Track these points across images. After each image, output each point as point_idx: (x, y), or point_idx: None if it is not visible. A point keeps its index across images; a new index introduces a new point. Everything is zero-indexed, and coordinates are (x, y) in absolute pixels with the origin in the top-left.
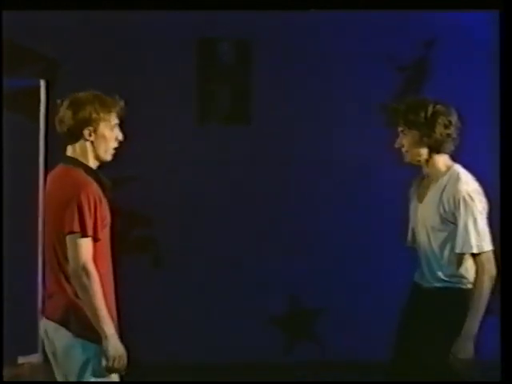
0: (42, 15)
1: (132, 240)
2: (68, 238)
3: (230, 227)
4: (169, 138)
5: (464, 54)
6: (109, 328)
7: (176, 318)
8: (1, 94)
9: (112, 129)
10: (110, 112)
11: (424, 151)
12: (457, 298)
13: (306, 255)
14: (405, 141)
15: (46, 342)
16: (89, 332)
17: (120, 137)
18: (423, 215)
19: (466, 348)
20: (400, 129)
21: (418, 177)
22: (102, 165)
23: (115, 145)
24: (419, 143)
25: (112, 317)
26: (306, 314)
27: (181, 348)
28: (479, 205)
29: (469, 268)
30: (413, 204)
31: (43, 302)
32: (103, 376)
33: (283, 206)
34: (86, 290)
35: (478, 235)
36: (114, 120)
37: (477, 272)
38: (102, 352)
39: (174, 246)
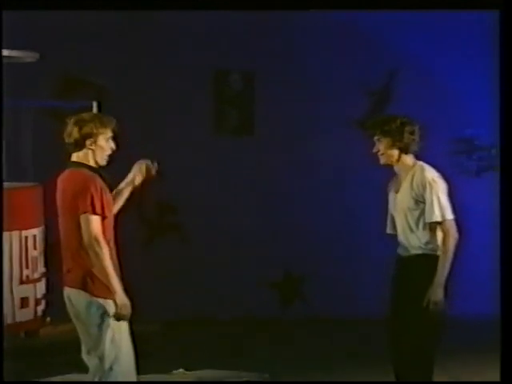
0: (94, 50)
1: (162, 225)
2: (82, 217)
3: (237, 214)
4: (190, 146)
5: (423, 81)
6: (116, 284)
7: (196, 281)
8: (1, 94)
9: (107, 140)
10: (106, 128)
11: (395, 153)
12: (432, 261)
13: (299, 236)
14: (380, 146)
15: (68, 306)
16: (102, 292)
17: (113, 146)
18: (400, 201)
19: (437, 293)
20: (376, 137)
21: (392, 177)
22: (100, 168)
23: (109, 152)
24: (391, 147)
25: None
26: (298, 280)
27: (200, 305)
28: (440, 186)
29: (438, 236)
30: (391, 196)
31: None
32: (120, 327)
33: (280, 198)
34: (98, 255)
35: (441, 208)
36: (109, 134)
37: (443, 236)
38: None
39: (194, 229)
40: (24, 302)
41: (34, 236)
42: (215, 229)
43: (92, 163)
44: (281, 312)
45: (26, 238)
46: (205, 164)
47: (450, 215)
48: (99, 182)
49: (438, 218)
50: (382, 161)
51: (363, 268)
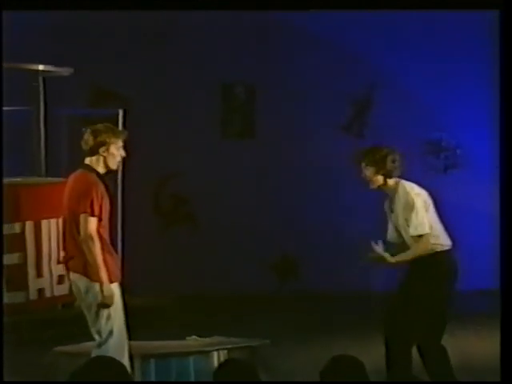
0: (121, 66)
1: (176, 214)
2: (81, 216)
3: (241, 205)
4: (201, 147)
5: (398, 92)
6: (104, 275)
7: (204, 262)
8: (1, 94)
9: (118, 149)
10: (117, 138)
11: (380, 178)
12: (431, 258)
13: (294, 224)
14: (367, 173)
15: (73, 287)
16: (98, 276)
17: (123, 154)
18: (395, 220)
19: (385, 258)
20: (363, 165)
21: (387, 197)
22: (110, 171)
23: (120, 159)
24: (376, 174)
25: (109, 269)
26: (293, 261)
27: (208, 282)
28: (419, 203)
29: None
30: (388, 214)
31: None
32: (115, 306)
33: (278, 191)
34: (90, 250)
35: (418, 224)
36: (120, 143)
37: (418, 244)
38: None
39: (204, 218)
40: (61, 278)
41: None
42: (222, 217)
43: (101, 168)
44: (278, 288)
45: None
46: (213, 162)
47: (424, 230)
48: (101, 187)
49: (415, 233)
50: (371, 186)
51: (350, 249)
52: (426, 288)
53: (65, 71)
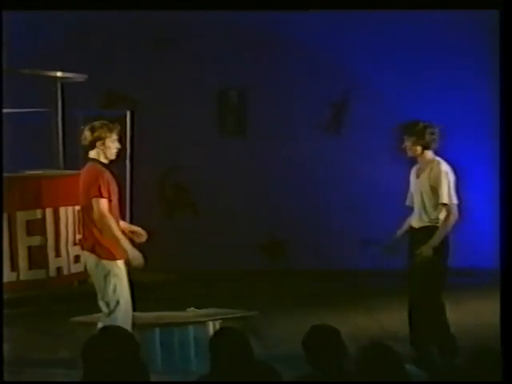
0: (129, 72)
1: (179, 202)
2: (93, 200)
3: (234, 194)
4: (200, 144)
5: (371, 95)
6: (126, 244)
7: (203, 243)
8: (1, 94)
9: (113, 142)
10: (111, 132)
11: (419, 148)
12: (435, 231)
13: (281, 209)
14: (407, 143)
15: (84, 264)
16: (106, 254)
17: (119, 146)
18: (420, 185)
19: (428, 251)
20: (405, 136)
21: (415, 166)
22: (112, 161)
23: (116, 150)
24: (415, 144)
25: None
26: (281, 242)
27: (206, 260)
28: (450, 177)
29: (443, 214)
30: (413, 179)
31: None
32: (121, 280)
33: (267, 182)
34: (108, 227)
35: (449, 194)
36: (115, 137)
37: (447, 214)
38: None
39: (203, 205)
40: (77, 258)
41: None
42: (218, 204)
43: (103, 159)
44: (268, 266)
45: (79, 211)
46: (210, 157)
47: (454, 200)
48: (107, 174)
49: (446, 201)
50: (409, 154)
51: (330, 233)
52: (433, 256)
53: (80, 77)
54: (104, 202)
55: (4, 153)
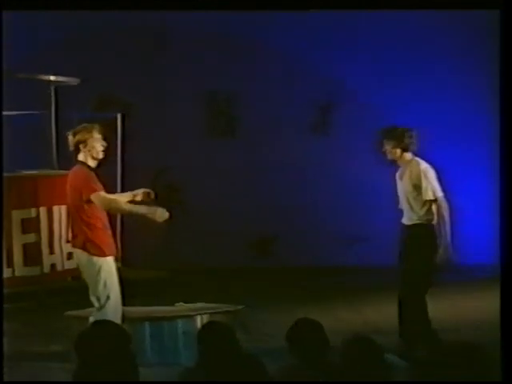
0: (120, 76)
1: (170, 200)
2: (92, 196)
3: (223, 193)
4: (190, 145)
5: (354, 99)
6: (142, 209)
7: (193, 241)
8: (1, 95)
9: (96, 141)
10: (91, 133)
11: (398, 151)
12: (426, 229)
13: (268, 208)
14: (387, 146)
15: (76, 260)
16: (96, 251)
17: (104, 144)
18: (404, 186)
19: (447, 252)
20: (385, 140)
21: (399, 169)
22: (100, 161)
23: (102, 149)
24: (395, 147)
25: (106, 244)
26: (269, 241)
27: (196, 257)
28: (430, 173)
29: (433, 210)
30: (398, 182)
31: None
32: (111, 276)
33: (255, 181)
34: (119, 208)
35: (432, 189)
36: (96, 136)
37: (438, 208)
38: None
39: (192, 204)
40: (70, 255)
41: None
42: (208, 203)
43: (90, 160)
44: (256, 263)
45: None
46: (200, 158)
47: (439, 193)
48: (93, 176)
49: (431, 197)
50: (389, 157)
51: (316, 232)
52: (423, 252)
53: (73, 81)
54: (102, 193)
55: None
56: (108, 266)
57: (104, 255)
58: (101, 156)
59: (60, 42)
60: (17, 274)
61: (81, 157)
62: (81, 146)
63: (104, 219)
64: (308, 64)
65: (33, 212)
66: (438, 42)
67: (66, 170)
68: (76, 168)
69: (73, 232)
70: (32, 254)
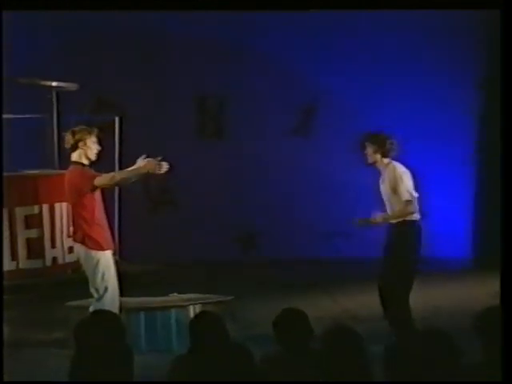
0: (116, 81)
1: (161, 199)
2: (96, 181)
3: (212, 192)
4: (181, 146)
5: (335, 103)
6: (132, 170)
7: (183, 236)
8: (1, 95)
9: (93, 143)
10: (90, 135)
11: (378, 156)
12: (407, 226)
13: (253, 206)
14: (368, 151)
15: (76, 254)
16: (94, 245)
17: (98, 147)
18: (384, 189)
19: (377, 219)
20: (367, 144)
21: (379, 173)
22: (92, 162)
23: (96, 151)
24: (376, 152)
25: (103, 238)
26: (254, 235)
27: (185, 251)
28: (406, 177)
29: (410, 209)
30: (381, 186)
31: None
32: (108, 269)
33: (241, 180)
34: (122, 176)
35: (407, 191)
36: (94, 139)
37: (405, 206)
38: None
39: (182, 202)
40: (70, 249)
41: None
42: (197, 202)
43: (84, 159)
44: (242, 257)
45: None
46: (191, 158)
47: (411, 197)
48: (88, 169)
49: (408, 198)
50: (369, 160)
51: (298, 228)
52: (404, 247)
53: (72, 86)
54: (100, 177)
55: (5, 154)
56: (106, 259)
57: (102, 249)
58: (94, 158)
59: (60, 48)
60: (21, 266)
61: (75, 156)
62: (80, 144)
63: (102, 216)
64: (292, 71)
65: (35, 209)
66: (415, 47)
67: (66, 169)
68: (71, 168)
69: (73, 228)
70: (35, 248)
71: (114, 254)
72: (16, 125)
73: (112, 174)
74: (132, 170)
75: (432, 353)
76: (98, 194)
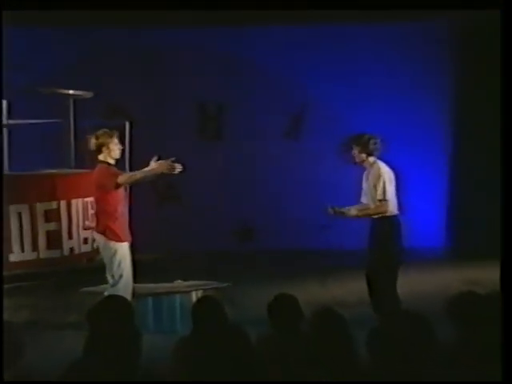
0: (126, 90)
1: (168, 195)
2: (119, 179)
3: (213, 188)
4: (184, 146)
5: (322, 108)
6: (146, 170)
7: (187, 228)
8: (0, 96)
9: (115, 145)
10: (112, 138)
11: (363, 156)
12: (388, 220)
13: (250, 201)
14: (354, 152)
15: (96, 242)
16: (113, 237)
17: (120, 147)
18: (367, 186)
19: (351, 213)
20: (353, 145)
21: (365, 171)
22: (117, 160)
23: (119, 151)
24: (361, 152)
25: (122, 231)
26: (251, 229)
27: (189, 242)
28: (387, 177)
29: (389, 205)
30: (364, 182)
31: (94, 225)
32: (125, 258)
33: (239, 177)
34: (141, 176)
35: (384, 192)
36: (115, 141)
37: (380, 205)
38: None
39: (186, 197)
40: (85, 240)
41: (91, 201)
42: (199, 197)
43: (110, 159)
44: (240, 248)
45: (87, 202)
46: (193, 158)
47: (387, 197)
48: (113, 168)
49: (381, 198)
50: (356, 160)
51: (292, 219)
52: (386, 240)
53: (88, 94)
54: (122, 175)
55: (26, 155)
56: (123, 250)
57: (120, 241)
58: (118, 156)
59: (77, 62)
60: (41, 256)
61: (101, 157)
62: (103, 149)
63: (124, 210)
64: (283, 80)
65: (54, 204)
66: (393, 58)
67: (81, 169)
68: (98, 166)
69: (96, 219)
70: (53, 240)
71: (131, 246)
72: (37, 129)
73: (132, 173)
74: (149, 170)
75: (411, 334)
76: (121, 191)
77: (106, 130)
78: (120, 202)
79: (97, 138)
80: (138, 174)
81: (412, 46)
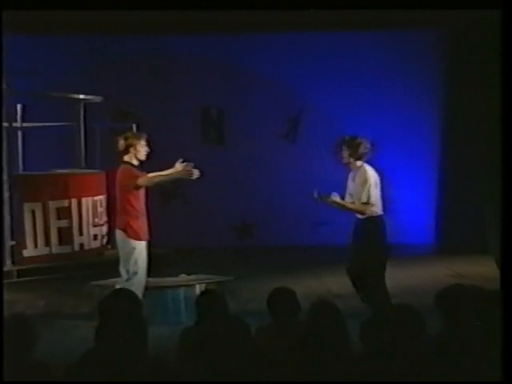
0: (134, 95)
1: (173, 193)
2: (139, 181)
3: (214, 188)
4: (187, 150)
5: (317, 111)
6: (169, 173)
7: (191, 224)
8: (0, 97)
9: (143, 146)
10: (140, 140)
11: (352, 159)
12: (372, 220)
13: (250, 199)
14: (344, 154)
15: (116, 237)
16: (133, 235)
17: (148, 149)
18: (352, 187)
19: (338, 205)
20: (344, 147)
21: (350, 172)
22: (142, 162)
23: (145, 153)
24: (351, 155)
25: (142, 230)
26: (250, 225)
27: (193, 238)
28: (372, 181)
29: (373, 206)
30: (349, 182)
31: (115, 222)
32: (141, 256)
33: (239, 178)
34: (161, 179)
35: (368, 195)
36: (143, 142)
37: (363, 205)
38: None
39: (190, 195)
40: (95, 236)
41: (100, 200)
42: (202, 195)
43: (135, 160)
44: (240, 244)
45: (96, 200)
46: (197, 160)
47: (371, 200)
48: (136, 170)
49: (364, 200)
50: (344, 161)
51: (289, 216)
52: (370, 239)
53: (97, 99)
54: (143, 178)
55: (39, 156)
56: (141, 248)
57: (139, 239)
58: (144, 158)
59: (88, 69)
60: (53, 251)
61: (127, 158)
62: (130, 149)
63: (143, 210)
64: (281, 86)
65: (66, 202)
66: (386, 63)
67: (91, 169)
68: (122, 167)
69: (117, 217)
70: (65, 236)
71: (148, 244)
72: (49, 131)
73: (152, 175)
74: (169, 174)
75: (400, 324)
76: (142, 190)
77: (133, 131)
78: (140, 201)
79: (125, 139)
80: (158, 178)
81: (406, 50)
